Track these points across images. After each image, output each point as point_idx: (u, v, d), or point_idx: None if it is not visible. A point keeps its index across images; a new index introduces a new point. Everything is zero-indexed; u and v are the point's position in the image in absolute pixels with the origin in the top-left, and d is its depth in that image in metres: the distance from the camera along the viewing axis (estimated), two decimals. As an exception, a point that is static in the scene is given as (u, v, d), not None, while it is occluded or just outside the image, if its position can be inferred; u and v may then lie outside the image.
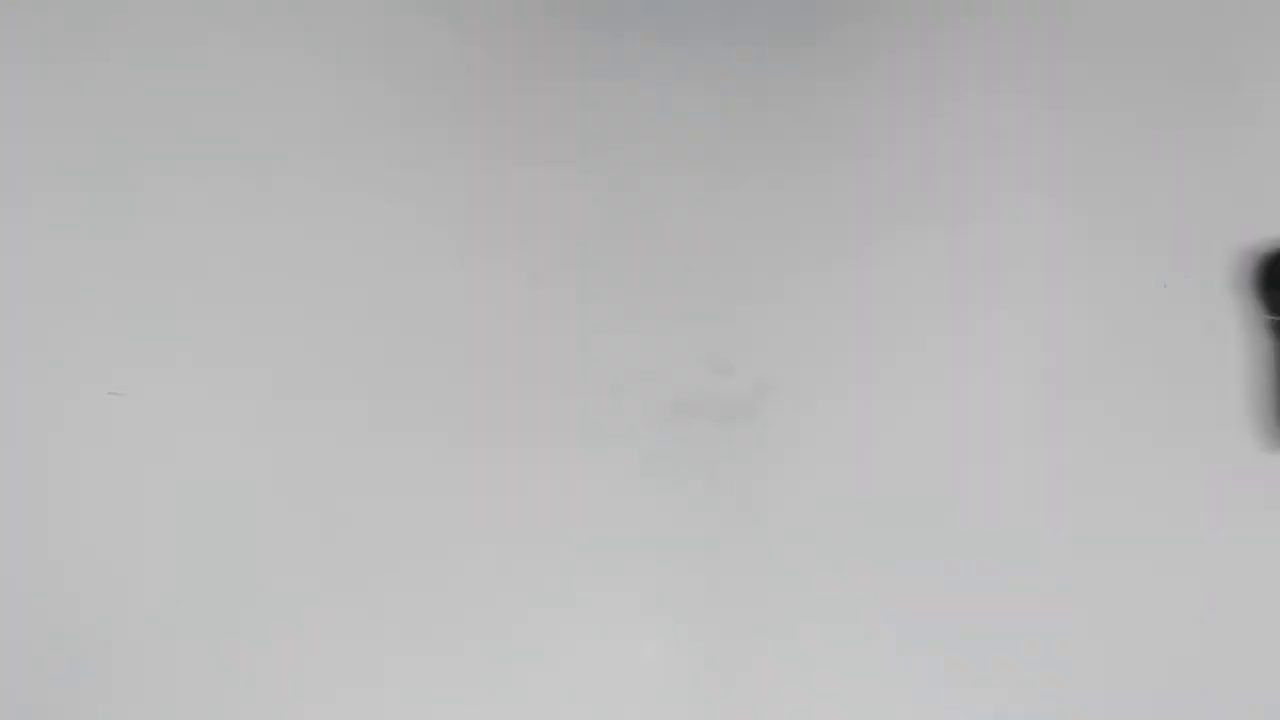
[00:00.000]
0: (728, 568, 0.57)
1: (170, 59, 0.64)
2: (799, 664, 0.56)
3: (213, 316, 0.60)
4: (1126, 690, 0.56)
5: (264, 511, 0.58)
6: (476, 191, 0.59)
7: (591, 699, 0.56)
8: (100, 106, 0.64)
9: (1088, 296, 0.61)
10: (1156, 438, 0.59)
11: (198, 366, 0.60)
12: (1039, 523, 0.58)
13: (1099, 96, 0.62)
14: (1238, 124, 0.62)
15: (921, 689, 0.56)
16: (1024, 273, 0.61)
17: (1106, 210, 0.62)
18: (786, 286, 0.59)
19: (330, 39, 0.66)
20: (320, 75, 0.64)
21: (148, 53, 0.64)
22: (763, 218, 0.60)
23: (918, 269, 0.61)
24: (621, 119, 0.62)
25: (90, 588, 0.57)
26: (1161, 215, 0.62)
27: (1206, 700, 0.56)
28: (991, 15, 0.64)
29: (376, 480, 0.58)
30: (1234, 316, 0.58)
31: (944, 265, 0.61)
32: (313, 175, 0.62)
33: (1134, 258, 0.61)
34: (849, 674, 0.56)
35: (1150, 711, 0.57)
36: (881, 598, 0.57)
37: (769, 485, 0.58)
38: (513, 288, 0.59)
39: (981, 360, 0.60)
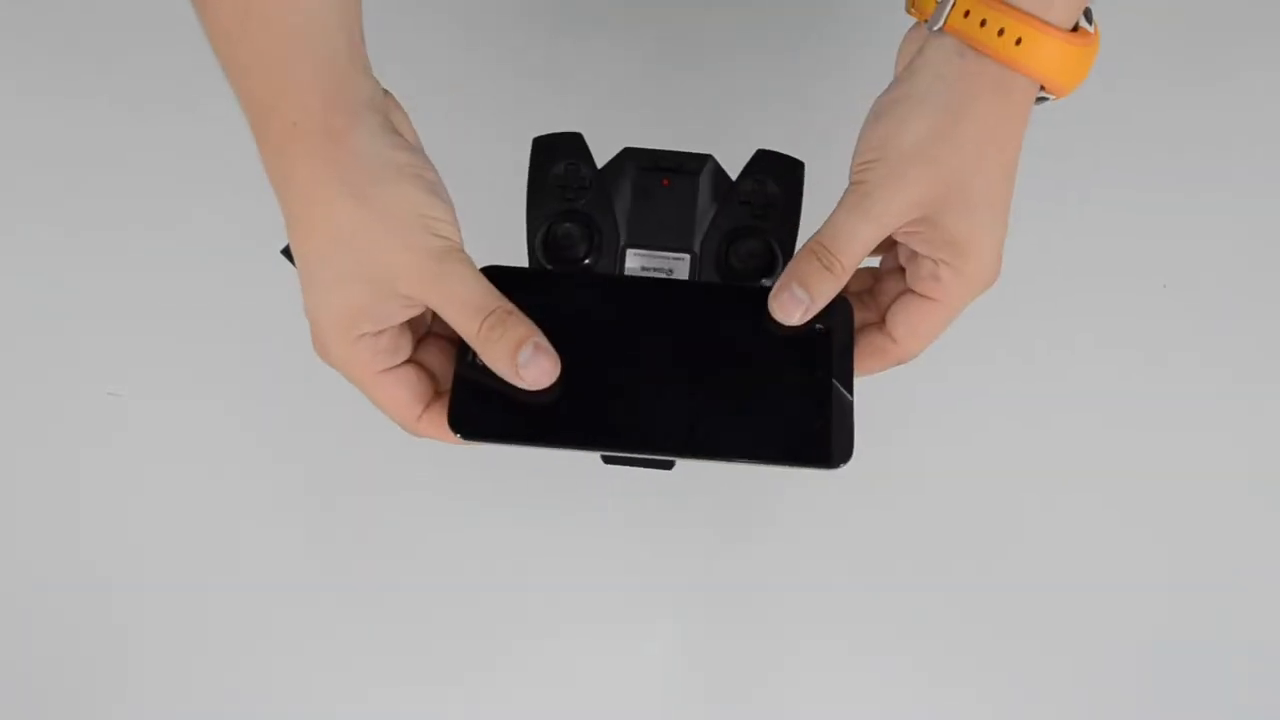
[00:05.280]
0: (728, 569, 0.57)
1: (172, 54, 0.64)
2: (798, 665, 0.56)
3: (213, 318, 0.60)
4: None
5: (266, 512, 0.58)
6: (473, 193, 0.58)
7: (592, 698, 0.56)
8: (102, 112, 0.63)
9: (1089, 306, 0.61)
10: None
11: (199, 367, 0.59)
12: (1039, 526, 0.58)
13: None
14: None
15: (922, 689, 0.56)
16: (1022, 280, 0.60)
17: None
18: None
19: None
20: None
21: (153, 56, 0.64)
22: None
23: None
24: (620, 119, 0.61)
25: (89, 587, 0.57)
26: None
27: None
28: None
29: (375, 482, 0.58)
30: None
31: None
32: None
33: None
34: (848, 675, 0.56)
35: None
36: (881, 598, 0.57)
37: (769, 486, 0.58)
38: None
39: (980, 362, 0.60)
